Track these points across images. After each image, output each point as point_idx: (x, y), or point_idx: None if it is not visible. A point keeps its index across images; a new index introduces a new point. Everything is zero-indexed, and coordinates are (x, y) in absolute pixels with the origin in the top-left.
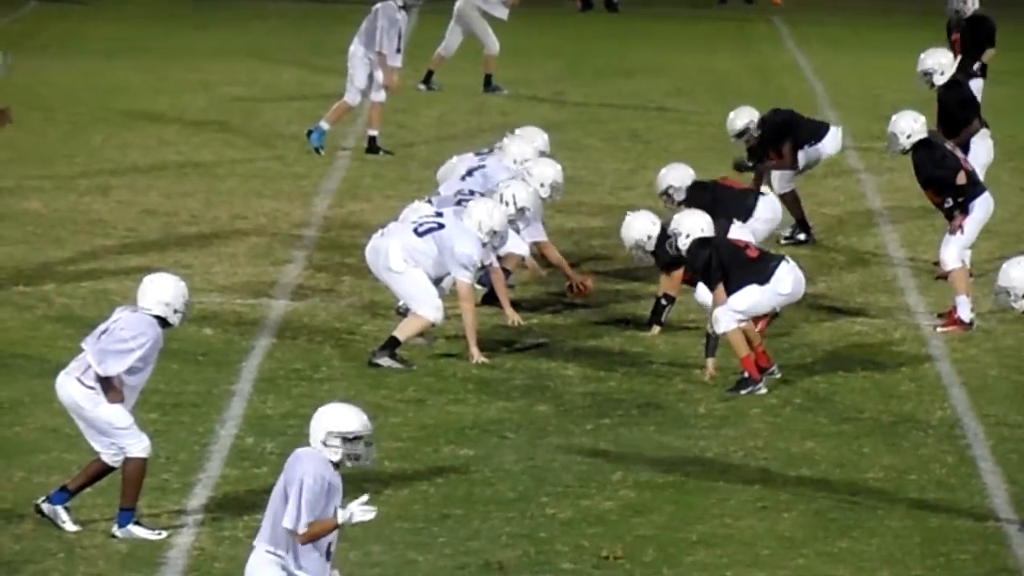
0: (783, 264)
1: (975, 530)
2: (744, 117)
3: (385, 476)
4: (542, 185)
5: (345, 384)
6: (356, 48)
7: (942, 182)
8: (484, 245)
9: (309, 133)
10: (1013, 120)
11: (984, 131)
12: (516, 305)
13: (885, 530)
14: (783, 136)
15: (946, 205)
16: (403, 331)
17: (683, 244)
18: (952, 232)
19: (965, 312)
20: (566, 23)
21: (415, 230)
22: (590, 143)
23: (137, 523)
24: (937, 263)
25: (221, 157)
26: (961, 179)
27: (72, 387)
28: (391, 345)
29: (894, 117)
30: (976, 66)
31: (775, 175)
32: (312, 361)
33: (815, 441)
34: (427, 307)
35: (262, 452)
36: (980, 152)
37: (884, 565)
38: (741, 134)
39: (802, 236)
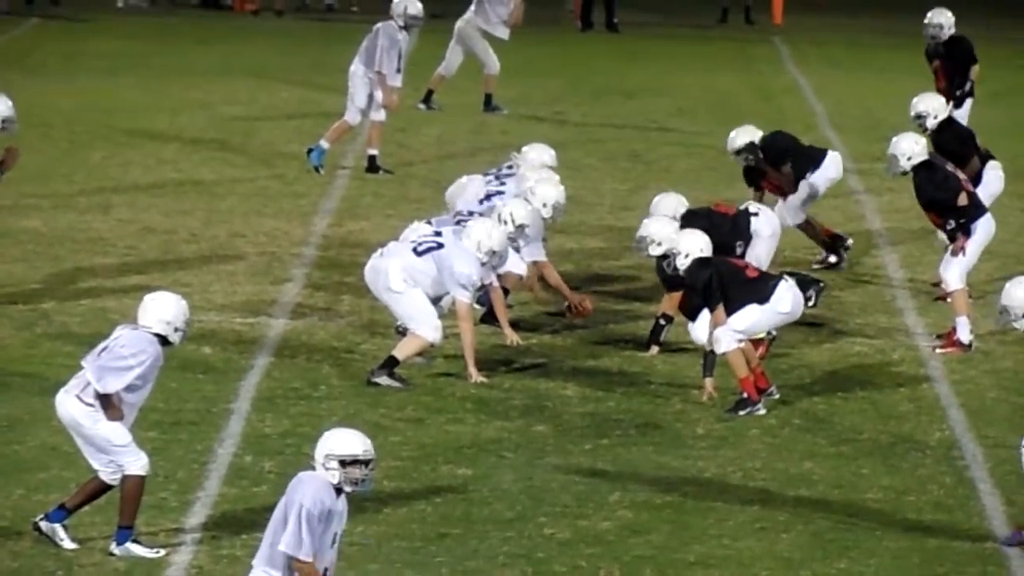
0: (782, 283)
1: (973, 551)
2: (745, 136)
3: (383, 495)
4: (544, 205)
5: (344, 403)
6: (356, 67)
7: (943, 204)
8: (483, 265)
9: (309, 152)
10: (1011, 141)
11: (994, 163)
12: (515, 325)
13: (883, 551)
14: (783, 159)
15: (948, 227)
16: (402, 351)
17: (681, 264)
18: (954, 254)
19: (965, 334)
20: (566, 43)
21: (414, 250)
22: (590, 163)
23: (135, 541)
24: (936, 284)
25: (221, 175)
26: (962, 200)
27: (71, 405)
28: (390, 364)
29: (895, 139)
30: (967, 87)
31: (786, 211)
32: (311, 380)
33: (813, 462)
34: (426, 327)
35: (260, 471)
36: (992, 181)
37: None
38: (740, 152)
39: (832, 259)
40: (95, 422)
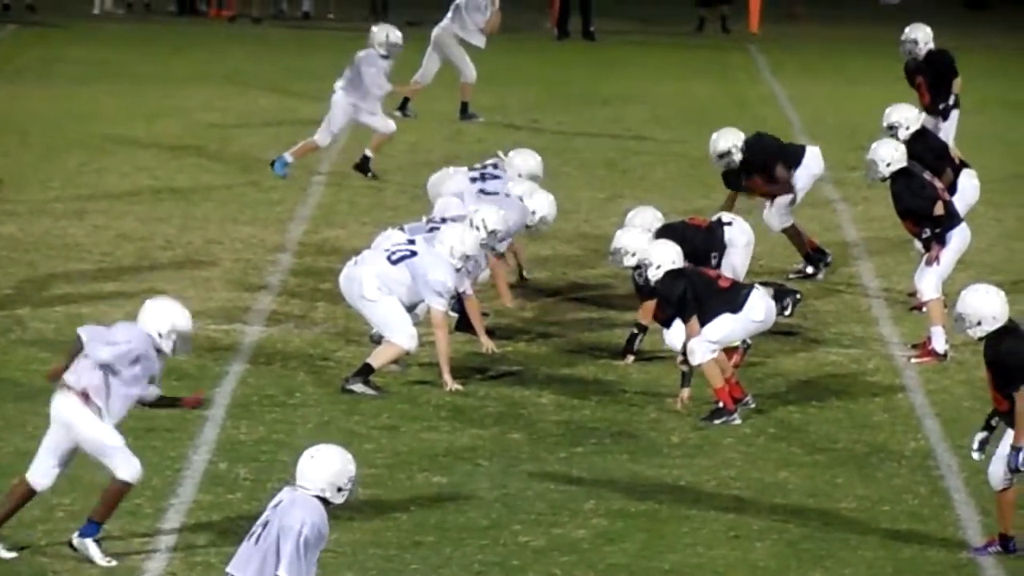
0: (755, 292)
1: (948, 561)
2: (728, 139)
3: (358, 502)
4: (534, 213)
5: (319, 410)
6: (340, 95)
7: (920, 213)
8: (458, 271)
9: (272, 163)
10: (984, 151)
11: (970, 171)
12: (491, 333)
13: (858, 560)
14: (771, 159)
15: (924, 235)
16: (377, 359)
17: (653, 275)
18: (929, 263)
19: (940, 343)
20: (543, 51)
21: (388, 258)
22: (566, 171)
23: (97, 541)
24: (912, 294)
25: (197, 182)
26: (939, 210)
27: (71, 402)
28: (364, 372)
29: (874, 145)
30: (951, 100)
31: (773, 216)
32: (286, 387)
33: (788, 471)
34: (401, 335)
35: (235, 478)
36: (967, 190)
37: None
38: (723, 155)
39: (809, 270)
40: (89, 424)
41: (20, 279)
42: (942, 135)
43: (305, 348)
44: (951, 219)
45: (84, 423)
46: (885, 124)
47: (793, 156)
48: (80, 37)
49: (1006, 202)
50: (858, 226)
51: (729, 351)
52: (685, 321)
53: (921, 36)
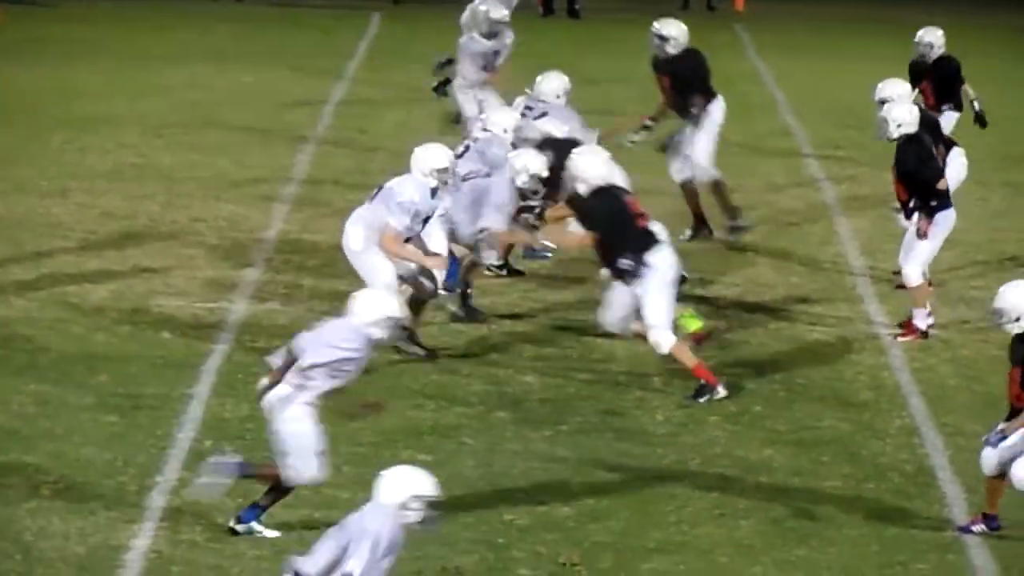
0: (664, 247)
1: (933, 540)
2: (674, 29)
3: (343, 480)
4: (519, 173)
5: None
6: (458, 83)
7: (919, 180)
8: (434, 190)
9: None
10: (969, 130)
11: (958, 150)
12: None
13: (843, 539)
14: (696, 78)
15: (912, 204)
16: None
17: (581, 189)
18: (920, 236)
19: (922, 322)
20: (528, 29)
21: (369, 200)
22: None
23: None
24: (897, 272)
25: (181, 160)
26: (942, 184)
27: (287, 396)
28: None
29: (889, 104)
30: (953, 103)
31: (696, 168)
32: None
33: (773, 449)
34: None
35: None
36: (956, 168)
37: (841, 574)
38: (663, 39)
39: (688, 232)
40: (295, 421)
41: (3, 257)
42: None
43: (290, 325)
44: (945, 199)
45: (292, 419)
46: (877, 99)
47: (710, 93)
48: (64, 16)
49: (992, 180)
50: (843, 204)
51: (698, 337)
52: (586, 233)
53: (935, 40)
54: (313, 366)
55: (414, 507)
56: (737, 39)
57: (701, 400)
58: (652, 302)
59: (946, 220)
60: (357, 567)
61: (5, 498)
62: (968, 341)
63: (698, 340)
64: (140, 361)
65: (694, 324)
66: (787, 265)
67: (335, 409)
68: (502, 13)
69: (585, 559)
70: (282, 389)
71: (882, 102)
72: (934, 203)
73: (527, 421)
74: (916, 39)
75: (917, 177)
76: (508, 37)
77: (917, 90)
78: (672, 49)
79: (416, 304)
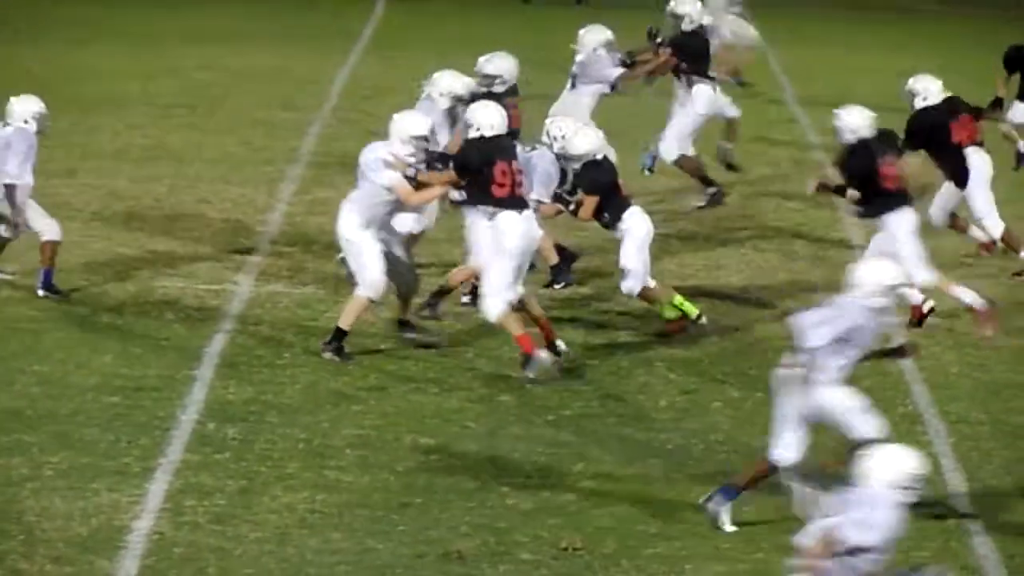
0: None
1: (935, 526)
2: (688, 6)
3: (346, 463)
4: (441, 95)
5: (307, 370)
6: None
7: (862, 184)
8: (413, 154)
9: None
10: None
11: (975, 148)
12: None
13: None
14: (693, 57)
15: (854, 198)
16: (346, 319)
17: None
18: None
19: (969, 297)
20: (520, 15)
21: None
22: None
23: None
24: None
25: (188, 142)
26: (886, 185)
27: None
28: (338, 337)
29: (843, 111)
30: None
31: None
32: (274, 347)
33: None
34: (365, 284)
35: (223, 438)
36: (979, 166)
37: None
38: (678, 17)
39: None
40: (822, 393)
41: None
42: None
43: (294, 308)
44: (893, 201)
45: (820, 394)
46: (906, 88)
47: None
48: None
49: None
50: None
51: (674, 323)
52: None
53: None
54: (817, 348)
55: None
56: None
57: (527, 372)
58: (495, 268)
59: (905, 221)
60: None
61: (8, 478)
62: (971, 329)
63: (674, 328)
64: (144, 342)
65: (673, 312)
66: (792, 251)
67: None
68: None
69: (587, 544)
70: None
71: (911, 93)
72: (874, 205)
73: (530, 406)
74: None
75: (857, 181)
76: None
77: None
78: (686, 26)
79: (404, 299)
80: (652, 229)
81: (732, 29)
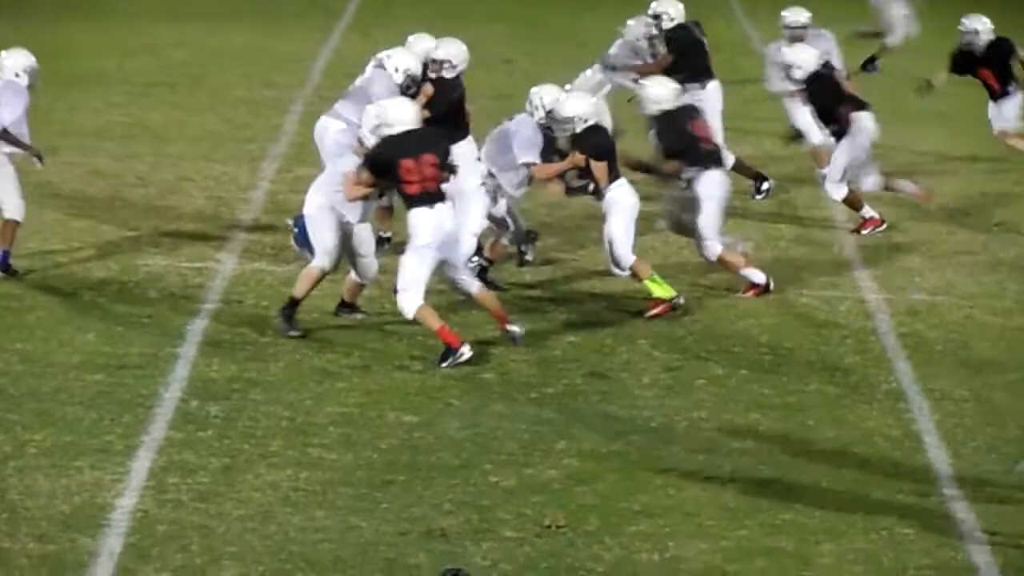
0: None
1: (919, 504)
2: (667, 5)
3: (329, 441)
4: (397, 71)
5: (290, 348)
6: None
7: (670, 151)
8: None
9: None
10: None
11: (867, 113)
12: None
13: (828, 503)
14: (682, 50)
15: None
16: (300, 288)
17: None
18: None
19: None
20: None
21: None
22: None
23: None
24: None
25: (169, 119)
26: (695, 150)
27: None
28: (291, 305)
29: (647, 82)
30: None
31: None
32: (257, 324)
33: (760, 413)
34: (320, 255)
35: (206, 415)
36: (864, 131)
37: (827, 538)
38: (656, 16)
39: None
40: None
41: None
42: (1008, 116)
43: (277, 286)
44: (703, 161)
45: None
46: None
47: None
48: None
49: (980, 148)
50: None
51: (657, 303)
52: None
53: (982, 27)
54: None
55: None
56: (727, 4)
57: (444, 365)
58: (408, 261)
59: (715, 184)
60: None
61: None
62: (955, 305)
63: (658, 306)
64: (127, 320)
65: (660, 290)
66: (775, 229)
67: None
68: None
69: (570, 521)
70: None
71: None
72: (683, 164)
73: (513, 383)
74: (961, 28)
75: (667, 150)
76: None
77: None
78: (666, 24)
79: (357, 283)
80: (638, 203)
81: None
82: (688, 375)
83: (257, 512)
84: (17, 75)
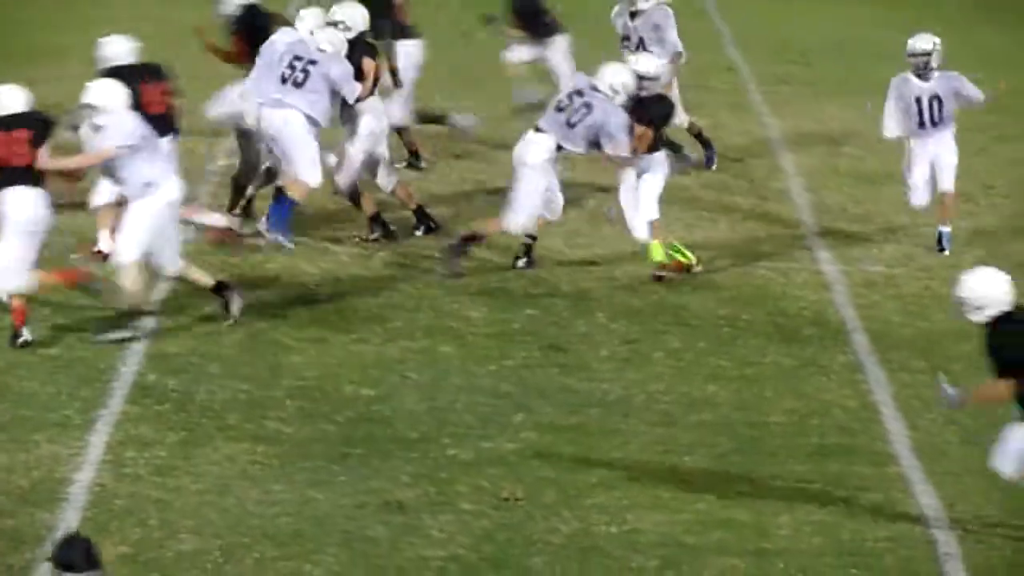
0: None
1: (876, 475)
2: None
3: (286, 415)
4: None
5: (247, 321)
6: None
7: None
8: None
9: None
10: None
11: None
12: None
13: (786, 474)
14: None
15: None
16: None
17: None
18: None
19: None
20: None
21: None
22: (496, 84)
23: None
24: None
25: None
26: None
27: None
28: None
29: (103, 41)
30: None
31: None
32: (215, 298)
33: (717, 385)
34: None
35: (164, 389)
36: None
37: (785, 510)
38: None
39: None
40: None
41: None
42: None
43: (233, 260)
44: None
45: None
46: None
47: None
48: None
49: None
50: (787, 141)
51: (673, 264)
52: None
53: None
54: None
55: None
56: None
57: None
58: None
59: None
60: None
61: None
62: (912, 277)
63: (676, 269)
64: (84, 293)
65: (659, 255)
66: (731, 200)
67: None
68: None
69: (528, 494)
70: None
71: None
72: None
73: (471, 356)
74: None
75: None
76: None
77: None
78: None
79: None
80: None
81: None
82: (646, 348)
83: (215, 486)
84: None
